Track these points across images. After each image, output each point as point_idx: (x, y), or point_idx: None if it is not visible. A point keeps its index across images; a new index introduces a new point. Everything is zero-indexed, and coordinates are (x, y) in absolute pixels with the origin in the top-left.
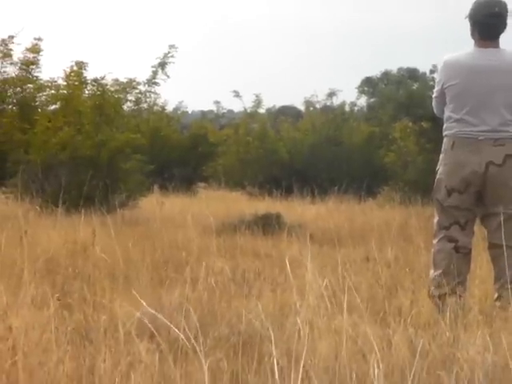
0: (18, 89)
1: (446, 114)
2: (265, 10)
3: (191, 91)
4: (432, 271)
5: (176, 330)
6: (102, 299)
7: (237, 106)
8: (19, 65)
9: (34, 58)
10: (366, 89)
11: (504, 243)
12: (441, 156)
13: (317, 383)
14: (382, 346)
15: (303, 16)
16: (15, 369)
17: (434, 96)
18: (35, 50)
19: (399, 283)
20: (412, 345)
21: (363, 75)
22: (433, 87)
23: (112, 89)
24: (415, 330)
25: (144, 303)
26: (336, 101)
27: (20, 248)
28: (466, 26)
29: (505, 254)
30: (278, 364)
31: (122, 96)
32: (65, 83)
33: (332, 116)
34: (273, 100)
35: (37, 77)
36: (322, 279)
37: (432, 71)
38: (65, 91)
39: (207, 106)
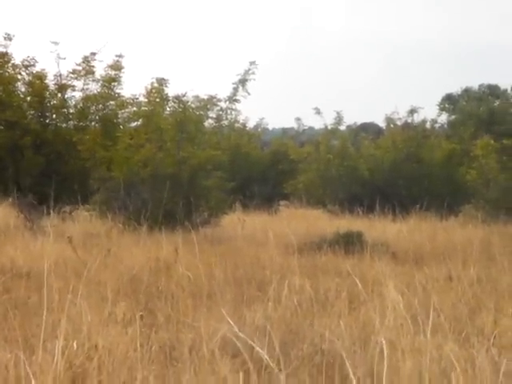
0: (100, 106)
1: None
2: (345, 27)
3: (272, 108)
4: None
5: (260, 350)
6: (185, 318)
7: (317, 123)
8: (101, 82)
9: (115, 74)
10: (446, 106)
11: None
12: None
13: None
14: (465, 366)
15: (384, 32)
16: None
17: None
18: (116, 66)
19: (482, 303)
20: (496, 365)
21: (444, 92)
22: None
23: (193, 106)
24: (499, 351)
25: (230, 321)
26: (417, 118)
27: (104, 266)
28: None
29: None
30: None
31: (203, 113)
32: (146, 100)
33: (413, 133)
34: (353, 117)
35: (118, 94)
36: (403, 298)
37: None
38: (146, 108)
39: (288, 123)
